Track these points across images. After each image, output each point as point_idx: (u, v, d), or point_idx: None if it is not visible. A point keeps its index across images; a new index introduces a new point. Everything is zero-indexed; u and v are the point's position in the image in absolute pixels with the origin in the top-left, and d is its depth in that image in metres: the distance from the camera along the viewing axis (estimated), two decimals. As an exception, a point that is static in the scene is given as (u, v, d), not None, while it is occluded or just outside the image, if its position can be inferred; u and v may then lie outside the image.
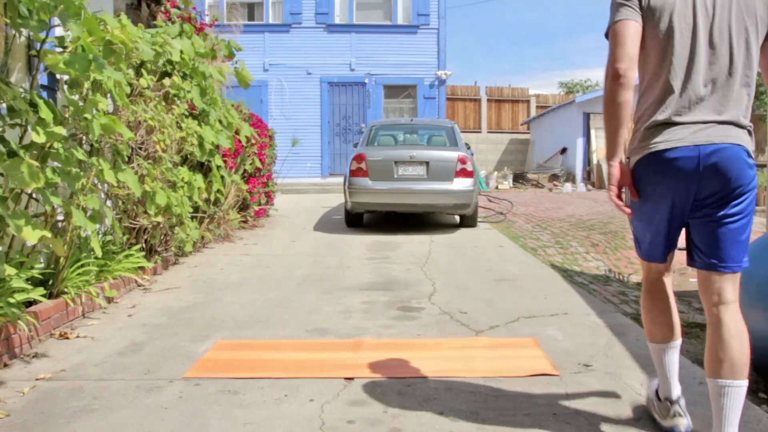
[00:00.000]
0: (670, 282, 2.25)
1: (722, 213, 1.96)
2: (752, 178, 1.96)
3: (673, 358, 2.23)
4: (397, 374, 2.83)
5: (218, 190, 6.24)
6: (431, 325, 3.67)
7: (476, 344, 3.30)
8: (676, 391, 2.24)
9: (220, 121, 6.00)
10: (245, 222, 8.07)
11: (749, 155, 1.95)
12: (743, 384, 1.96)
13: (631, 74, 1.98)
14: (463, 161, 7.68)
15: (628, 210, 2.07)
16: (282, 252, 6.35)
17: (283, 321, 3.79)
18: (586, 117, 17.90)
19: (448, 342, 3.35)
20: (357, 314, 3.92)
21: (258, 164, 7.81)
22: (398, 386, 2.69)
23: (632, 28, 1.98)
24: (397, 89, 17.11)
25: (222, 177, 6.31)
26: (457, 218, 8.60)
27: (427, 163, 7.65)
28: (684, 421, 2.20)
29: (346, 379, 2.78)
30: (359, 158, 7.76)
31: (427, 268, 5.45)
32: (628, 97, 1.98)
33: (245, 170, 7.59)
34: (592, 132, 18.07)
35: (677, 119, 1.96)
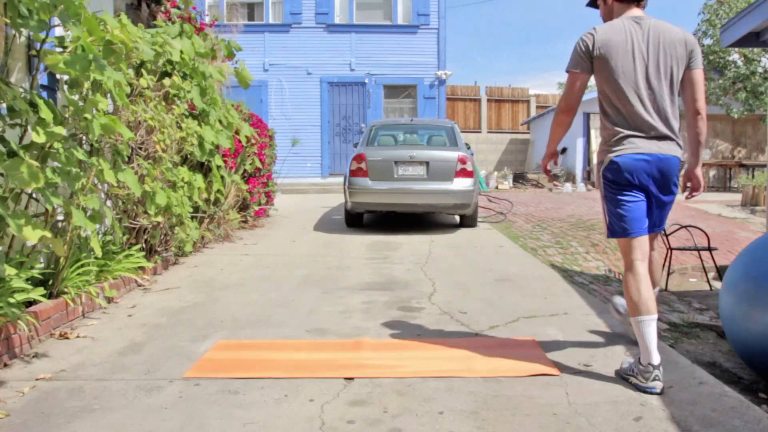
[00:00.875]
0: (646, 265, 2.81)
1: (662, 199, 2.86)
2: (678, 179, 2.87)
3: (653, 328, 2.69)
4: (397, 374, 2.83)
5: (218, 190, 6.24)
6: (431, 325, 3.67)
7: (476, 344, 3.30)
8: (657, 358, 2.63)
9: (220, 121, 6.00)
10: (245, 222, 8.07)
11: (680, 161, 2.84)
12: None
13: (575, 107, 2.92)
14: (463, 161, 7.68)
15: (554, 182, 3.17)
16: (282, 252, 6.35)
17: (283, 321, 3.79)
18: (586, 117, 17.89)
19: (448, 342, 3.35)
20: (357, 314, 3.92)
21: (258, 164, 7.81)
22: (398, 386, 2.69)
23: (580, 78, 2.86)
24: (397, 89, 17.11)
25: (222, 177, 6.31)
26: (457, 218, 8.59)
27: (427, 163, 7.65)
28: (661, 384, 2.60)
29: (346, 379, 2.78)
30: (359, 158, 7.76)
31: (427, 268, 5.45)
32: (570, 120, 2.95)
33: (245, 170, 7.58)
34: (592, 132, 18.07)
35: (638, 134, 2.77)
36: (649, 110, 2.75)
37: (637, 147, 2.74)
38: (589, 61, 2.82)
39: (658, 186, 2.80)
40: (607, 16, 2.99)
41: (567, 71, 2.89)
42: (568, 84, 2.88)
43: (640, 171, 2.74)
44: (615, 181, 2.80)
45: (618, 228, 2.81)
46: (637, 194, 2.79)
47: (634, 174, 2.75)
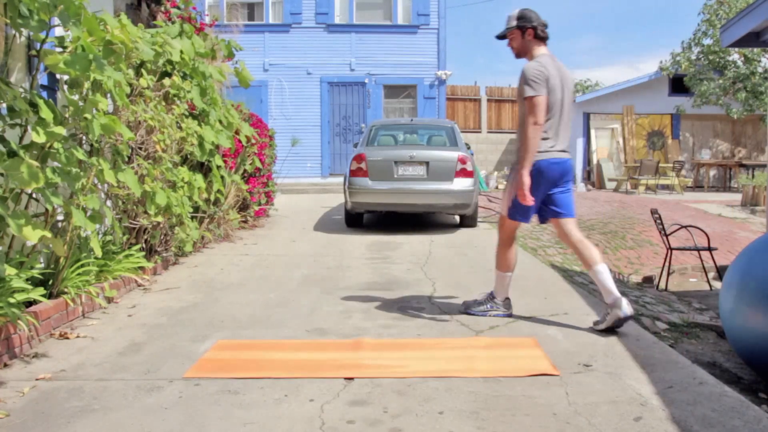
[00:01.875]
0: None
1: (563, 189, 3.68)
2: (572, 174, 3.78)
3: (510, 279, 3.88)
4: (397, 374, 2.83)
5: (218, 190, 6.24)
6: (431, 325, 3.68)
7: (476, 344, 3.30)
8: (505, 293, 3.91)
9: (220, 121, 6.00)
10: (245, 222, 8.07)
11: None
12: (604, 266, 3.53)
13: (543, 125, 3.53)
14: (463, 161, 7.68)
15: (531, 201, 3.50)
16: (282, 252, 6.35)
17: (283, 321, 3.79)
18: (586, 117, 17.88)
19: (448, 342, 3.35)
20: (357, 314, 3.92)
21: (258, 164, 7.81)
22: (398, 386, 2.69)
23: (544, 101, 3.51)
24: (397, 89, 17.11)
25: (222, 177, 6.31)
26: (457, 218, 8.59)
27: (427, 163, 7.65)
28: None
29: (346, 379, 2.78)
30: (359, 158, 7.76)
31: (427, 268, 5.45)
32: (540, 136, 3.55)
33: (245, 170, 7.58)
34: (592, 132, 18.06)
35: (557, 146, 3.61)
36: (563, 129, 3.62)
37: (554, 155, 3.58)
38: (547, 85, 3.49)
39: (562, 180, 3.66)
40: (522, 50, 3.66)
41: (533, 96, 3.46)
42: (539, 106, 3.47)
43: (555, 172, 3.57)
44: (537, 180, 3.51)
45: (519, 215, 3.70)
46: (543, 195, 3.61)
47: (551, 174, 3.56)
